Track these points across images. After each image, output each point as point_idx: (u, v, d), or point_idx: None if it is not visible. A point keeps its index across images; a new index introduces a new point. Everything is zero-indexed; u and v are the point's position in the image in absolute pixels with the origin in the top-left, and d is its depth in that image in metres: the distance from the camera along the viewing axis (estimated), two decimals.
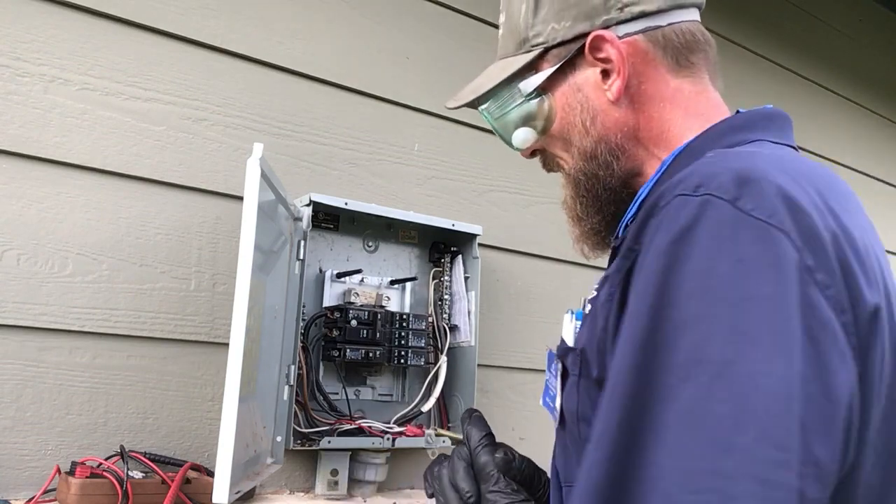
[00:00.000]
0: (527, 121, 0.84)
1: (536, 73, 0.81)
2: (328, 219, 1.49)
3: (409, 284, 1.56)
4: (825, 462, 0.52)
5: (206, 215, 1.38)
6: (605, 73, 0.78)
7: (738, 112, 0.79)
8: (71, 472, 1.15)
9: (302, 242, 1.38)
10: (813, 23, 2.65)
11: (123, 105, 1.32)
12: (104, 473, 1.14)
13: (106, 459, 1.19)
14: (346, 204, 1.43)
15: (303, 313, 1.37)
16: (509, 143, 0.87)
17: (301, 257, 1.36)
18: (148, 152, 1.34)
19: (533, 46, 0.81)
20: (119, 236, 1.30)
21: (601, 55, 0.77)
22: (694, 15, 0.81)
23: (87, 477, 1.13)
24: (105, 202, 1.29)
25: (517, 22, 0.83)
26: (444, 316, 1.57)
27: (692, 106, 0.78)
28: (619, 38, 0.77)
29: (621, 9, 0.77)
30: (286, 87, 1.51)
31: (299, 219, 1.38)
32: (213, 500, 0.97)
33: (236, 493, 1.05)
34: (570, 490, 0.76)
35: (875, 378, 0.58)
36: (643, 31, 0.77)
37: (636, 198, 0.79)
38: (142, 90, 1.34)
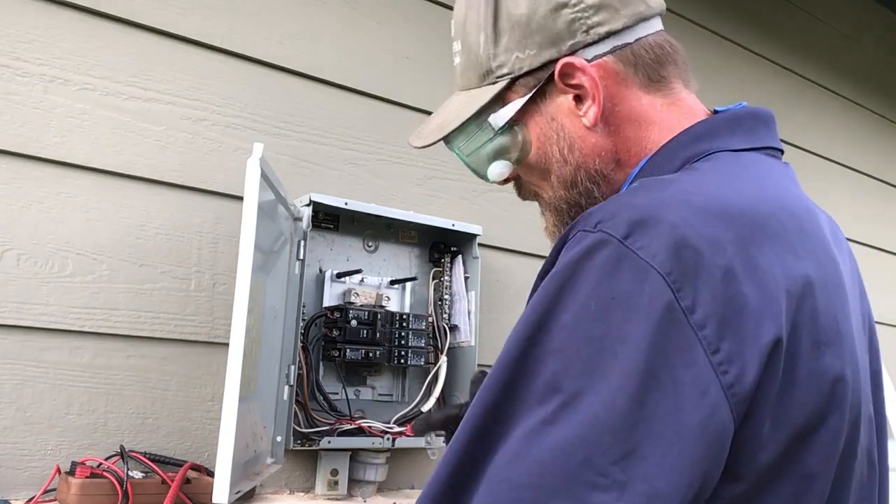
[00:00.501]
0: (501, 154, 0.81)
1: (505, 104, 0.78)
2: (328, 219, 1.49)
3: (409, 284, 1.56)
4: (667, 494, 0.54)
5: (206, 215, 1.38)
6: (579, 99, 0.75)
7: (714, 112, 0.78)
8: (71, 472, 1.15)
9: (302, 242, 1.38)
10: (813, 23, 2.66)
11: (123, 105, 1.32)
12: (104, 473, 1.14)
13: (106, 459, 1.19)
14: (346, 204, 1.43)
15: (303, 313, 1.37)
16: (484, 178, 0.84)
17: (301, 257, 1.37)
18: (148, 152, 1.34)
19: (498, 78, 0.78)
20: (119, 236, 1.30)
21: (573, 82, 0.74)
22: (658, 25, 0.77)
23: (87, 477, 1.13)
24: (105, 202, 1.29)
25: (477, 52, 0.80)
26: (444, 316, 1.57)
27: (666, 120, 0.75)
28: (589, 61, 0.74)
29: (587, 31, 0.74)
30: (286, 87, 1.51)
31: (299, 219, 1.38)
32: (213, 500, 0.97)
33: (236, 493, 1.05)
34: None
35: (765, 413, 0.58)
36: (612, 52, 0.74)
37: None
38: (142, 90, 1.34)
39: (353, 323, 1.41)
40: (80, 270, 1.26)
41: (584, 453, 0.53)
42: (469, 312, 1.57)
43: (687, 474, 0.54)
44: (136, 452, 1.23)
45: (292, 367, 1.32)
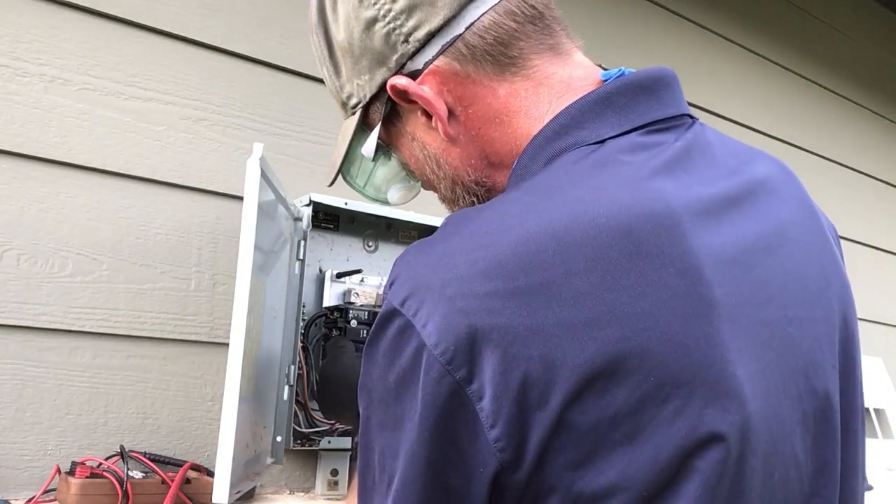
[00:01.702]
0: (391, 179, 0.78)
1: (370, 132, 0.73)
2: (328, 219, 1.49)
3: None
4: None
5: (206, 215, 1.38)
6: (427, 113, 0.68)
7: (602, 78, 0.66)
8: (71, 472, 1.15)
9: (302, 242, 1.38)
10: (813, 23, 2.66)
11: (123, 105, 1.32)
12: (104, 473, 1.14)
13: (106, 459, 1.19)
14: (346, 204, 1.43)
15: (303, 313, 1.37)
16: (390, 204, 0.81)
17: (301, 257, 1.37)
18: (148, 152, 1.34)
19: (353, 108, 0.73)
20: (119, 236, 1.30)
21: (410, 99, 0.67)
22: (489, 3, 0.65)
23: (87, 477, 1.13)
24: (105, 202, 1.29)
25: (330, 87, 0.76)
26: None
27: (532, 105, 0.66)
28: (421, 70, 0.66)
29: (406, 40, 0.66)
30: (286, 87, 1.51)
31: (299, 219, 1.38)
32: (213, 500, 0.97)
33: (236, 493, 1.05)
34: None
35: (565, 472, 0.51)
36: (442, 52, 0.65)
37: None
38: (142, 90, 1.34)
39: (353, 323, 1.41)
40: (80, 270, 1.26)
41: None
42: None
43: None
44: (136, 452, 1.23)
45: (292, 367, 1.32)
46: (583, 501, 0.50)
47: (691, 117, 0.66)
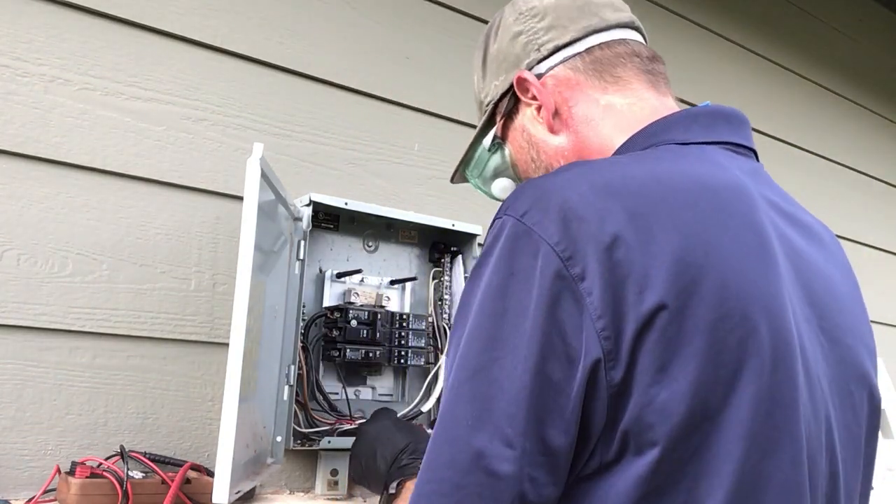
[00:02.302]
0: (498, 173, 0.93)
1: (493, 127, 0.90)
2: (328, 219, 1.49)
3: (409, 284, 1.56)
4: (560, 447, 0.60)
5: (206, 215, 1.38)
6: (539, 109, 0.85)
7: (677, 112, 0.82)
8: (71, 472, 1.15)
9: (302, 242, 1.38)
10: (813, 23, 2.66)
11: (123, 105, 1.32)
12: (104, 473, 1.14)
13: (106, 459, 1.19)
14: (346, 204, 1.43)
15: (303, 313, 1.37)
16: (495, 198, 0.95)
17: (301, 257, 1.36)
18: (148, 152, 1.34)
19: (486, 107, 0.90)
20: (119, 236, 1.30)
21: (528, 94, 0.85)
22: (617, 34, 0.84)
23: (87, 477, 1.13)
24: (105, 202, 1.29)
25: (476, 92, 0.93)
26: (444, 316, 1.57)
27: (623, 119, 0.81)
28: (544, 73, 0.84)
29: (538, 49, 0.84)
30: (286, 87, 1.51)
31: (299, 219, 1.38)
32: (213, 500, 0.97)
33: (236, 493, 1.05)
34: None
35: (647, 378, 0.60)
36: (563, 62, 0.83)
37: None
38: (142, 90, 1.34)
39: (353, 323, 1.41)
40: (80, 270, 1.26)
41: (494, 429, 0.60)
42: None
43: (573, 430, 0.60)
44: (136, 452, 1.23)
45: (292, 367, 1.32)
46: (654, 406, 0.60)
47: (756, 155, 0.80)
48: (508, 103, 0.88)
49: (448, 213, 1.66)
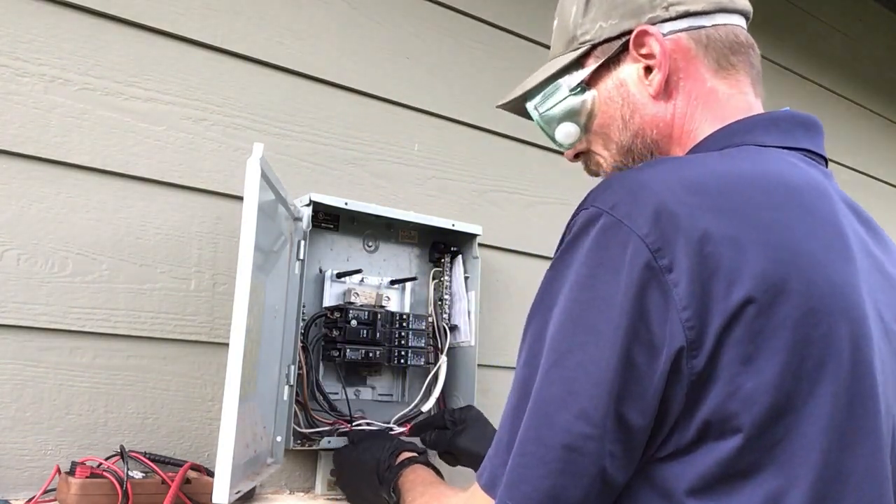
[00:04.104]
0: (570, 116, 0.86)
1: (582, 68, 0.84)
2: (328, 219, 1.49)
3: (409, 284, 1.56)
4: (639, 429, 0.64)
5: (206, 215, 1.38)
6: (647, 69, 0.80)
7: (761, 113, 0.83)
8: (71, 472, 1.15)
9: (302, 242, 1.38)
10: (813, 23, 2.65)
11: (123, 105, 1.32)
12: (104, 473, 1.14)
13: (106, 459, 1.18)
14: (346, 204, 1.43)
15: (303, 313, 1.37)
16: (553, 139, 0.89)
17: (301, 257, 1.36)
18: (148, 152, 1.34)
19: (580, 44, 0.84)
20: (119, 236, 1.30)
21: (644, 51, 0.80)
22: (739, 21, 0.82)
23: (87, 477, 1.13)
24: (105, 202, 1.29)
25: (567, 23, 0.86)
26: (444, 316, 1.57)
27: (720, 109, 0.80)
28: (664, 35, 0.79)
29: (666, 7, 0.80)
30: (286, 87, 1.51)
31: (299, 219, 1.38)
32: (213, 500, 0.97)
33: (236, 493, 1.05)
34: None
35: (734, 368, 0.62)
36: (687, 30, 0.79)
37: None
38: (142, 90, 1.34)
39: (353, 323, 1.41)
40: (80, 270, 1.26)
41: (579, 409, 0.63)
42: (469, 312, 1.57)
43: (652, 410, 0.63)
44: (136, 452, 1.23)
45: (292, 367, 1.32)
46: (739, 395, 0.62)
47: (826, 163, 0.83)
48: (615, 52, 0.82)
49: (448, 213, 1.66)
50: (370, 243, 1.55)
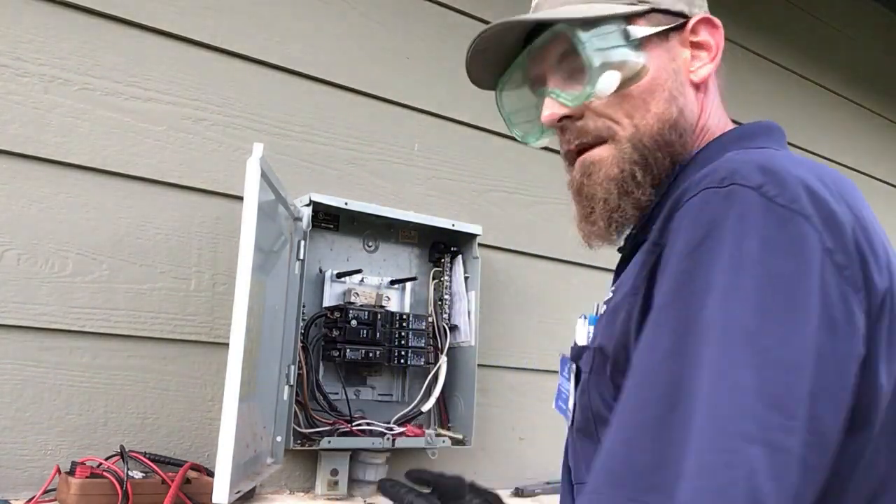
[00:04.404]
0: (620, 67, 0.77)
1: (638, 26, 0.78)
2: (328, 219, 1.49)
3: (409, 284, 1.56)
4: (829, 431, 0.56)
5: (206, 215, 1.38)
6: (693, 56, 0.80)
7: (738, 124, 0.82)
8: (71, 472, 1.15)
9: (302, 242, 1.38)
10: (813, 23, 2.65)
11: (123, 105, 1.32)
12: (104, 473, 1.14)
13: (106, 459, 1.19)
14: (346, 204, 1.43)
15: (303, 313, 1.37)
16: (592, 84, 0.78)
17: (301, 257, 1.37)
18: (148, 152, 1.34)
19: (641, 1, 0.79)
20: (119, 236, 1.30)
21: (698, 38, 0.80)
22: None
23: (87, 477, 1.13)
24: (105, 202, 1.29)
25: None
26: (444, 316, 1.57)
27: (717, 109, 0.83)
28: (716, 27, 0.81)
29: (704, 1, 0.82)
30: (286, 87, 1.51)
31: (299, 219, 1.38)
32: (213, 500, 0.97)
33: (236, 493, 1.05)
34: (581, 488, 0.78)
35: (880, 359, 0.60)
36: (717, 28, 0.81)
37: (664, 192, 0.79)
38: (142, 90, 1.34)
39: (353, 323, 1.41)
40: (80, 270, 1.26)
41: (775, 398, 0.55)
42: (469, 312, 1.57)
43: (845, 410, 0.57)
44: (136, 452, 1.23)
45: (292, 367, 1.32)
46: (879, 385, 0.60)
47: None
48: (670, 25, 0.79)
49: (448, 213, 1.66)
50: (370, 243, 1.55)
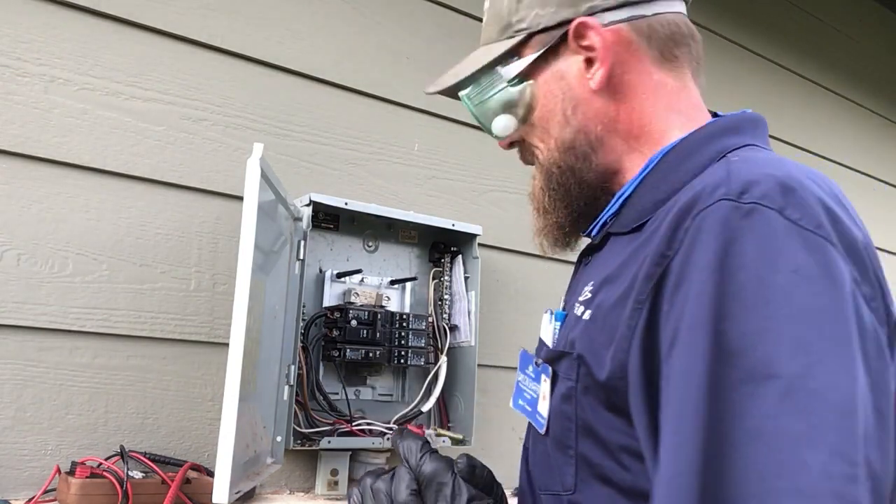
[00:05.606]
0: (508, 108, 0.81)
1: (519, 58, 0.79)
2: (328, 219, 1.49)
3: (409, 284, 1.56)
4: (880, 474, 0.52)
5: (206, 215, 1.38)
6: (589, 62, 0.76)
7: (715, 115, 0.78)
8: (71, 472, 1.15)
9: (302, 242, 1.38)
10: (813, 23, 2.65)
11: (123, 105, 1.32)
12: (104, 473, 1.14)
13: (106, 459, 1.19)
14: (346, 204, 1.43)
15: (303, 313, 1.37)
16: (489, 131, 0.85)
17: (301, 257, 1.36)
18: (148, 152, 1.34)
19: (516, 32, 0.79)
20: (119, 236, 1.30)
21: (585, 43, 0.75)
22: (679, 7, 0.78)
23: (87, 477, 1.13)
24: (105, 202, 1.29)
25: (501, 8, 0.81)
26: (444, 316, 1.57)
27: (674, 102, 0.76)
28: (604, 25, 0.75)
29: None
30: (286, 87, 1.51)
31: (299, 219, 1.38)
32: (213, 500, 0.97)
33: (236, 493, 1.05)
34: (549, 498, 0.75)
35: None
36: (628, 20, 0.75)
37: (619, 194, 0.77)
38: (142, 90, 1.34)
39: (353, 323, 1.41)
40: (80, 270, 1.26)
41: (833, 445, 0.50)
42: (469, 312, 1.57)
43: (892, 452, 0.54)
44: (136, 452, 1.23)
45: (292, 367, 1.32)
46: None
47: None
48: (553, 42, 0.77)
49: (448, 213, 1.66)
50: (370, 243, 1.55)
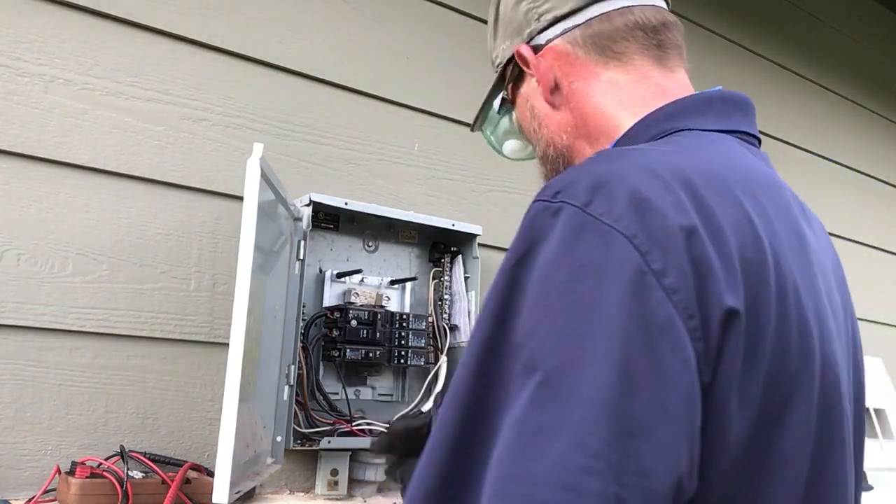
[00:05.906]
0: (509, 133, 0.94)
1: (504, 90, 0.89)
2: (328, 219, 1.49)
3: (409, 284, 1.56)
4: (657, 472, 0.50)
5: (206, 215, 1.38)
6: (539, 82, 0.82)
7: (692, 95, 0.78)
8: (71, 472, 1.15)
9: (302, 242, 1.38)
10: (813, 22, 2.66)
11: (123, 105, 1.32)
12: (104, 473, 1.14)
13: (106, 459, 1.19)
14: (346, 204, 1.43)
15: (303, 313, 1.37)
16: (507, 157, 0.98)
17: (301, 257, 1.37)
18: (148, 152, 1.34)
19: (497, 67, 0.88)
20: (119, 236, 1.30)
21: (529, 67, 0.83)
22: (621, 3, 0.78)
23: (87, 477, 1.13)
24: (105, 202, 1.29)
25: (489, 48, 0.91)
26: (444, 316, 1.57)
27: (627, 96, 0.77)
28: (543, 45, 0.80)
29: (538, 18, 0.81)
30: (286, 87, 1.51)
31: (299, 219, 1.38)
32: (213, 500, 0.97)
33: (236, 493, 1.05)
34: None
35: (729, 385, 0.55)
36: (562, 34, 0.80)
37: None
38: (142, 90, 1.34)
39: (353, 323, 1.41)
40: (80, 270, 1.26)
41: (573, 437, 0.50)
42: (469, 312, 1.57)
43: (675, 450, 0.51)
44: (136, 452, 1.23)
45: (292, 367, 1.32)
46: (752, 402, 0.56)
47: (759, 143, 0.79)
48: (514, 70, 0.85)
49: (448, 213, 1.66)
50: (370, 243, 1.55)
